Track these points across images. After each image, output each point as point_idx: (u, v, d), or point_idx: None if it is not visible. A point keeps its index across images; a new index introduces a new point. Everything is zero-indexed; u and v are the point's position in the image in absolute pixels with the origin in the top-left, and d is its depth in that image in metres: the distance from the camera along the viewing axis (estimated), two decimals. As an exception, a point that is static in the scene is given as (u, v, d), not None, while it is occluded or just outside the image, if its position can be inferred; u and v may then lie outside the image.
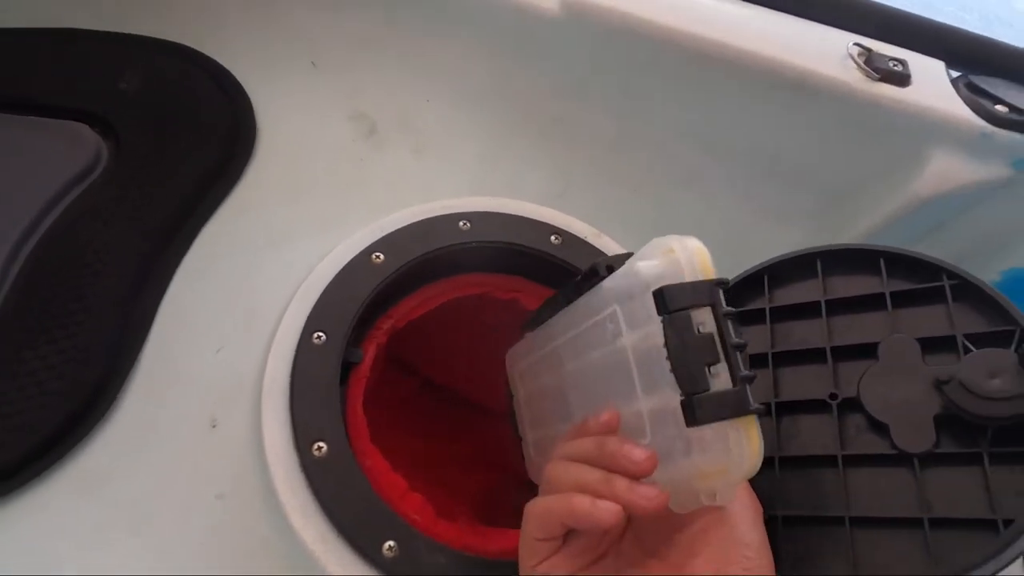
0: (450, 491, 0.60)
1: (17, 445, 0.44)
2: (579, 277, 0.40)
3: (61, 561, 0.42)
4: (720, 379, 0.30)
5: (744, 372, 0.30)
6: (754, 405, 0.30)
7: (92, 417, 0.46)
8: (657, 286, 0.31)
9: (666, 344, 0.30)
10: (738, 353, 0.31)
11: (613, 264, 0.36)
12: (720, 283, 0.31)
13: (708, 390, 0.29)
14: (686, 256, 0.31)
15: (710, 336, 0.30)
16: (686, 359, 0.30)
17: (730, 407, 0.29)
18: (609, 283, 0.36)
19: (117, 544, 0.42)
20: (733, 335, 0.31)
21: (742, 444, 0.30)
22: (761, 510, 0.35)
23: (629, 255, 0.35)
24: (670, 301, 0.30)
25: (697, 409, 0.29)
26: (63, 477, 0.44)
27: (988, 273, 0.60)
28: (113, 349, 0.49)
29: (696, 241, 0.32)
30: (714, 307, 0.30)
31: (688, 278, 0.31)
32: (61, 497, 0.44)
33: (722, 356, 0.30)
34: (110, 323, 0.50)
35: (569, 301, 0.41)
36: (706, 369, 0.30)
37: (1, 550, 0.42)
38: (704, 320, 0.30)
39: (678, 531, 0.34)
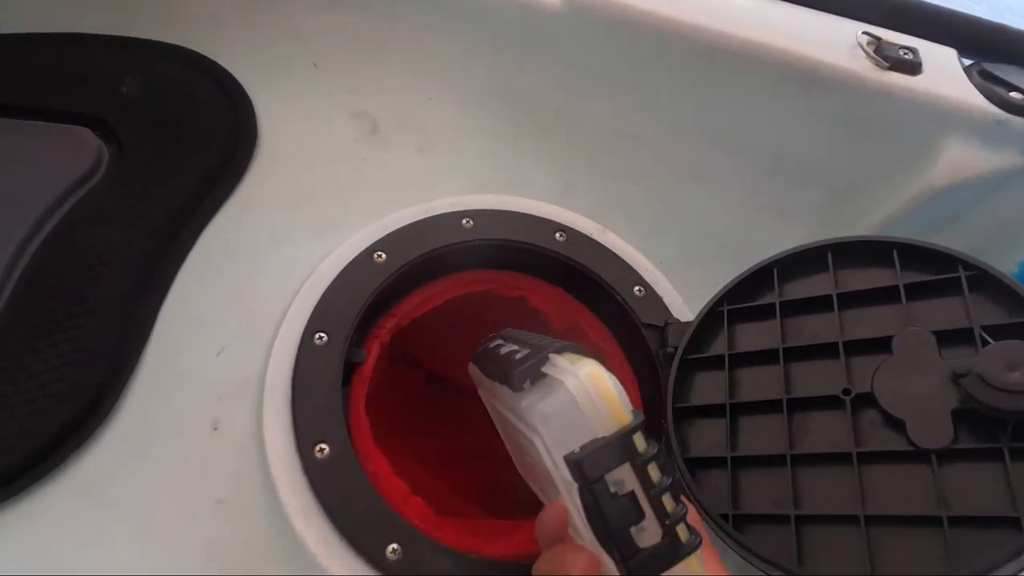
0: (457, 485, 0.60)
1: (19, 449, 0.44)
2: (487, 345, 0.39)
3: (63, 565, 0.41)
4: (650, 530, 0.30)
5: (673, 514, 0.30)
6: (688, 546, 0.30)
7: (94, 420, 0.46)
8: (547, 427, 0.31)
9: (587, 517, 0.30)
10: (667, 493, 0.30)
11: (522, 378, 0.34)
12: (636, 425, 0.30)
13: (638, 552, 0.29)
14: (584, 394, 0.30)
15: (631, 495, 0.30)
16: (610, 531, 0.29)
17: (665, 559, 0.30)
18: (519, 401, 0.35)
19: (119, 547, 0.42)
20: (657, 475, 0.30)
21: None
22: None
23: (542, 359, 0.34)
24: (586, 472, 0.29)
25: (633, 572, 0.29)
26: (65, 480, 0.44)
27: (1005, 264, 0.58)
28: (115, 351, 0.49)
29: (593, 366, 0.31)
30: (631, 461, 0.30)
31: (592, 419, 0.30)
32: (63, 501, 0.43)
33: (648, 509, 0.30)
34: (112, 325, 0.49)
35: (490, 376, 0.40)
36: (630, 532, 0.29)
37: (4, 554, 0.41)
38: (623, 478, 0.30)
39: None
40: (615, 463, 0.29)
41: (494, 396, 0.40)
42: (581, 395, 0.30)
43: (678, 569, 0.30)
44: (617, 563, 0.30)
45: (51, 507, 0.43)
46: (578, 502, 0.30)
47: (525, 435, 0.34)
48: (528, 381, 0.33)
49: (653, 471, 0.30)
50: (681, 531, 0.30)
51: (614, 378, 0.31)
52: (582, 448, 0.29)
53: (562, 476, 0.31)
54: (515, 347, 0.38)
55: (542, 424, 0.31)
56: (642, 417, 0.30)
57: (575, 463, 0.29)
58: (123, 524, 0.43)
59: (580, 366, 0.31)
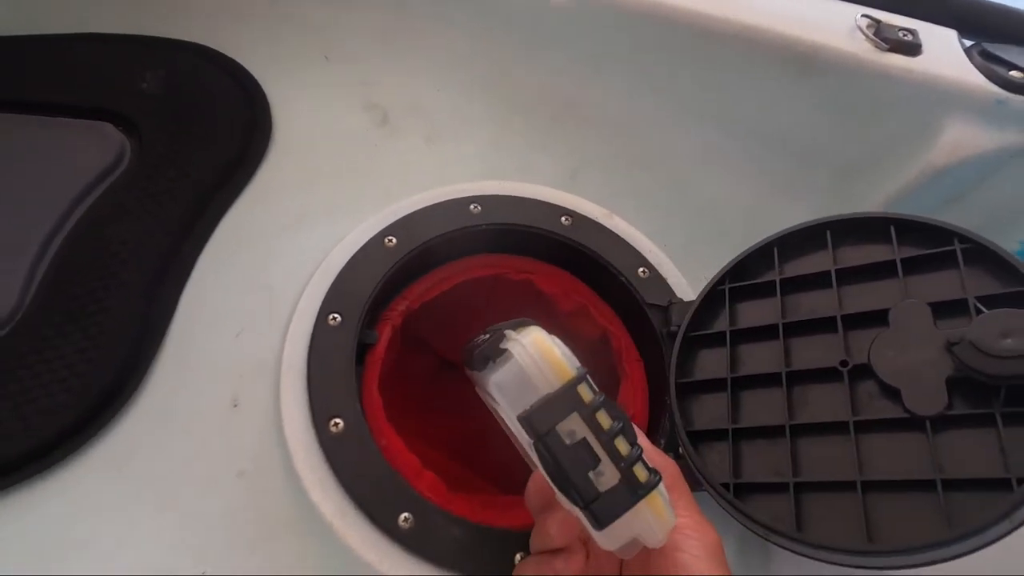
0: (469, 464, 0.61)
1: (50, 426, 0.46)
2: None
3: (92, 534, 0.43)
4: (607, 473, 0.31)
5: (628, 456, 0.31)
6: (646, 485, 0.31)
7: (119, 399, 0.48)
8: (503, 395, 0.32)
9: (544, 468, 0.31)
10: (619, 436, 0.31)
11: (481, 358, 0.36)
12: (579, 377, 0.32)
13: (599, 495, 0.31)
14: (528, 357, 0.32)
15: (583, 442, 0.31)
16: (567, 477, 0.31)
17: (626, 499, 0.31)
18: (484, 380, 0.36)
19: (144, 518, 0.44)
20: (607, 421, 0.31)
21: (649, 519, 0.31)
22: (719, 542, 0.35)
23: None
24: (535, 426, 0.31)
25: (598, 515, 0.31)
26: (94, 455, 0.46)
27: (1008, 242, 0.58)
28: (139, 334, 0.51)
29: (536, 332, 0.33)
30: (579, 411, 0.31)
31: (536, 379, 0.31)
32: (92, 475, 0.45)
33: (602, 454, 0.31)
34: (136, 310, 0.52)
35: (471, 368, 0.42)
36: (589, 476, 0.31)
37: (38, 525, 0.44)
38: (573, 427, 0.31)
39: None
40: (563, 414, 0.31)
41: (478, 386, 0.42)
42: (525, 359, 0.32)
43: (645, 512, 0.31)
44: (581, 509, 0.31)
45: (81, 480, 0.45)
46: (535, 458, 0.32)
47: (496, 411, 0.36)
48: (488, 361, 0.35)
49: (603, 418, 0.31)
50: (639, 471, 0.31)
51: (557, 340, 0.33)
52: (531, 406, 0.31)
53: (524, 438, 0.32)
54: (485, 335, 0.39)
55: (498, 393, 0.33)
56: (584, 370, 0.32)
57: (525, 420, 0.31)
58: (148, 496, 0.45)
59: (524, 334, 0.33)
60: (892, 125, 0.58)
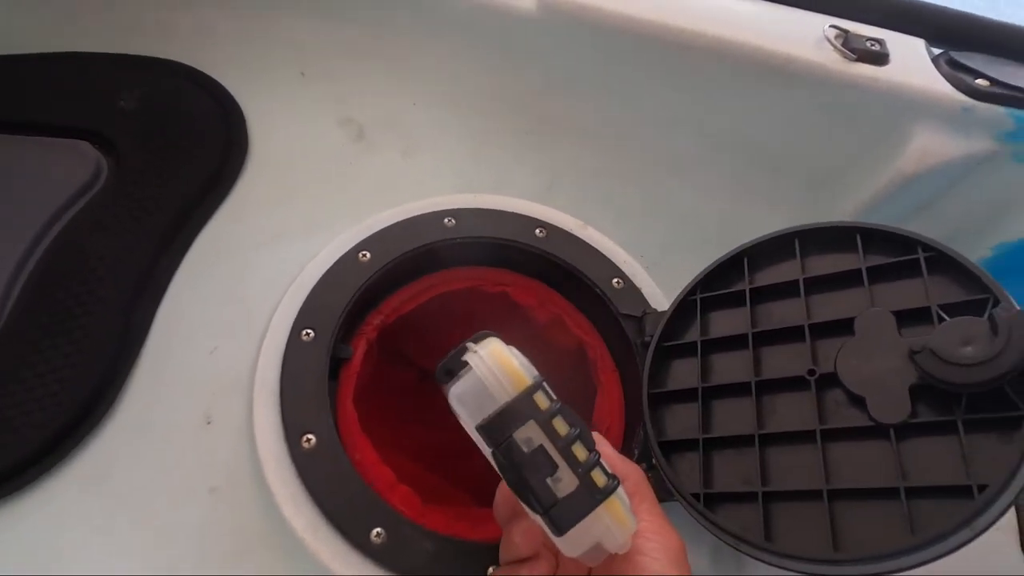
0: (447, 475, 0.61)
1: (25, 444, 0.46)
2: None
3: (67, 551, 0.44)
4: (565, 479, 0.31)
5: (585, 462, 0.32)
6: (604, 490, 0.32)
7: (94, 416, 0.48)
8: (463, 406, 0.33)
9: (503, 475, 0.32)
10: (576, 442, 0.32)
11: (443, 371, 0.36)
12: (534, 385, 0.32)
13: (557, 501, 0.31)
14: (485, 368, 0.32)
15: (540, 449, 0.31)
16: (526, 484, 0.31)
17: (585, 504, 0.31)
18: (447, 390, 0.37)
19: (118, 535, 0.44)
20: (564, 428, 0.32)
21: (608, 524, 0.32)
22: (681, 546, 0.36)
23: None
24: (492, 435, 0.31)
25: (557, 521, 0.31)
26: (69, 472, 0.46)
27: (978, 249, 0.59)
28: (115, 352, 0.51)
29: (493, 343, 0.34)
30: (535, 418, 0.32)
31: (494, 389, 0.32)
32: (65, 493, 0.46)
33: (559, 459, 0.32)
34: (112, 327, 0.52)
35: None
36: (548, 482, 0.31)
37: (14, 542, 0.44)
38: (530, 435, 0.32)
39: None
40: (520, 422, 0.31)
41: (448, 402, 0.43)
42: (483, 370, 0.32)
43: (604, 517, 0.32)
44: (541, 515, 0.31)
45: (56, 497, 0.45)
46: (495, 466, 0.32)
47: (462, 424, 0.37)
48: (451, 374, 0.35)
49: (559, 424, 0.32)
50: (596, 476, 0.32)
51: (515, 350, 0.33)
52: (488, 416, 0.32)
53: (485, 448, 0.33)
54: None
55: (459, 406, 0.33)
56: (541, 378, 0.33)
57: (482, 429, 0.32)
58: (122, 513, 0.45)
59: (482, 345, 0.33)
60: (862, 134, 0.58)
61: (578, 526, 0.31)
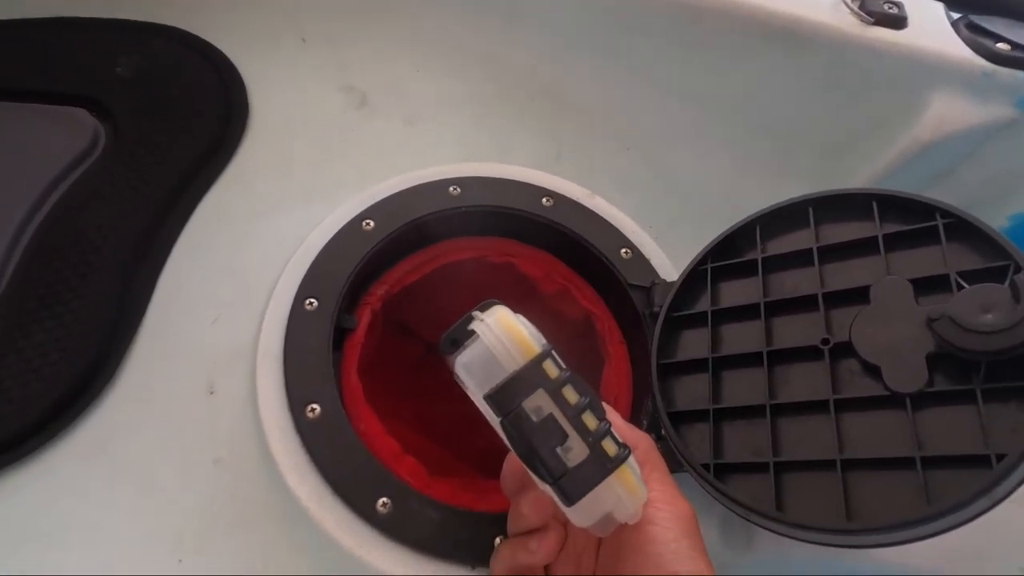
0: (453, 448, 0.61)
1: (26, 414, 0.46)
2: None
3: (68, 522, 0.43)
4: (576, 448, 0.31)
5: (596, 431, 0.31)
6: (616, 459, 0.31)
7: (95, 386, 0.48)
8: (470, 376, 0.32)
9: (512, 446, 0.31)
10: (587, 411, 0.31)
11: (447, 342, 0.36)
12: (544, 353, 0.31)
13: (568, 471, 0.30)
14: (492, 336, 0.31)
15: (550, 418, 0.31)
16: (535, 454, 0.30)
17: (596, 473, 0.30)
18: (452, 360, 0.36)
19: (121, 505, 0.44)
20: (574, 397, 0.31)
21: (620, 494, 0.31)
22: (692, 515, 0.35)
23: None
24: (501, 404, 0.31)
25: (567, 491, 0.30)
26: (70, 442, 0.46)
27: (996, 218, 0.58)
28: (114, 321, 0.50)
29: (501, 311, 0.33)
30: (544, 387, 0.31)
31: (502, 357, 0.31)
32: (67, 463, 0.45)
33: (569, 429, 0.31)
34: (111, 296, 0.51)
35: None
36: (558, 451, 0.30)
37: (13, 513, 0.43)
38: (540, 404, 0.31)
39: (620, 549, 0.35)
40: (529, 391, 0.31)
41: (453, 372, 0.42)
42: (490, 338, 0.31)
43: (615, 487, 0.31)
44: (550, 485, 0.31)
45: (57, 468, 0.45)
46: (503, 436, 0.31)
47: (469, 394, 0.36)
48: (456, 343, 0.34)
49: (569, 393, 0.31)
50: (607, 445, 0.31)
51: (522, 318, 0.33)
52: (497, 384, 0.31)
53: (493, 418, 0.32)
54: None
55: (465, 375, 0.33)
56: (550, 347, 0.32)
57: (491, 398, 0.31)
58: (125, 483, 0.45)
59: (489, 313, 0.32)
60: (877, 100, 0.57)
61: (588, 496, 0.31)
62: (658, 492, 0.35)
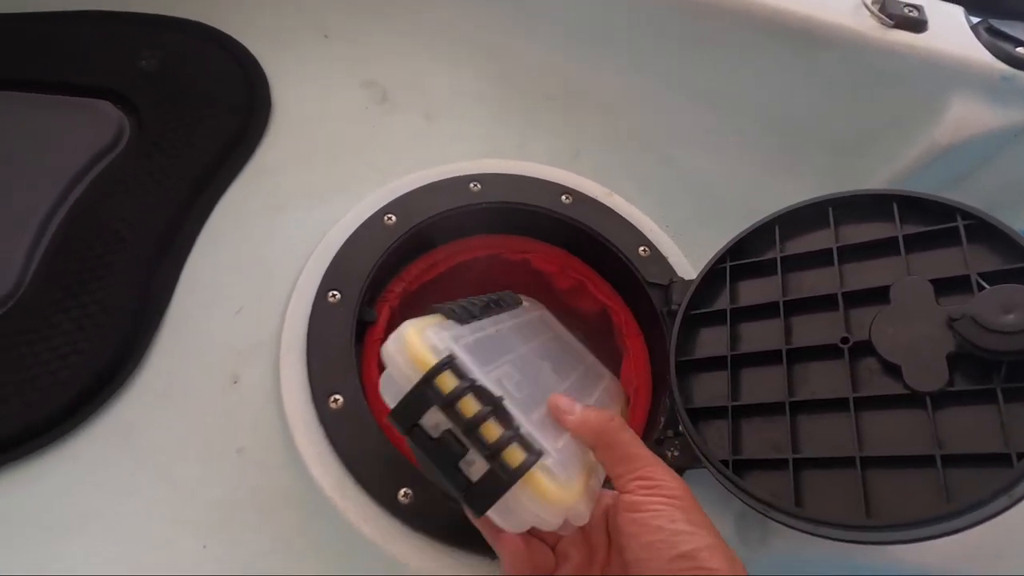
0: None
1: (51, 402, 0.47)
2: None
3: (92, 508, 0.44)
4: (477, 462, 0.30)
5: (496, 441, 0.30)
6: (520, 467, 0.30)
7: (120, 375, 0.48)
8: (387, 397, 0.32)
9: (419, 463, 0.31)
10: (488, 421, 0.30)
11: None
12: (436, 368, 0.31)
13: (472, 484, 0.30)
14: (388, 356, 0.31)
15: (448, 433, 0.30)
16: (438, 469, 0.30)
17: (498, 486, 0.30)
18: None
19: (144, 491, 0.44)
20: (473, 408, 0.30)
21: (532, 500, 0.30)
22: (685, 488, 0.34)
23: None
24: (401, 424, 0.31)
25: (474, 504, 0.30)
26: (95, 430, 0.46)
27: (1015, 223, 0.58)
28: (138, 312, 0.51)
29: (404, 326, 0.32)
30: (437, 402, 0.30)
31: (399, 377, 0.31)
32: (92, 451, 0.46)
33: (467, 443, 0.30)
34: (136, 287, 0.52)
35: None
36: (459, 467, 0.30)
37: (39, 499, 0.44)
38: (436, 421, 0.31)
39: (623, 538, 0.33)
40: (423, 408, 0.30)
41: None
42: (387, 358, 0.32)
43: (522, 496, 0.30)
44: (460, 498, 0.30)
45: (82, 455, 0.45)
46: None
47: None
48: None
49: (467, 405, 0.30)
50: (510, 455, 0.30)
51: (437, 326, 0.32)
52: (395, 405, 0.31)
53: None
54: None
55: (386, 397, 0.33)
56: (448, 357, 0.31)
57: (392, 419, 0.31)
58: (149, 472, 0.45)
59: (397, 332, 0.32)
60: (896, 103, 0.57)
61: (497, 506, 0.30)
62: (638, 480, 0.33)
